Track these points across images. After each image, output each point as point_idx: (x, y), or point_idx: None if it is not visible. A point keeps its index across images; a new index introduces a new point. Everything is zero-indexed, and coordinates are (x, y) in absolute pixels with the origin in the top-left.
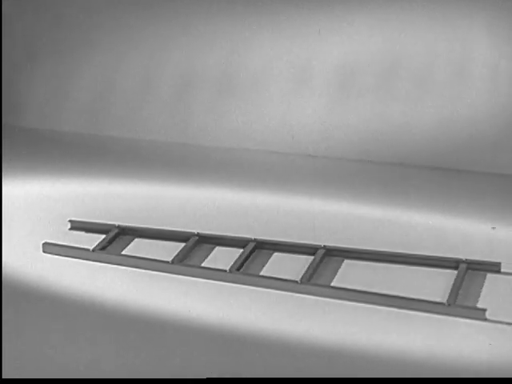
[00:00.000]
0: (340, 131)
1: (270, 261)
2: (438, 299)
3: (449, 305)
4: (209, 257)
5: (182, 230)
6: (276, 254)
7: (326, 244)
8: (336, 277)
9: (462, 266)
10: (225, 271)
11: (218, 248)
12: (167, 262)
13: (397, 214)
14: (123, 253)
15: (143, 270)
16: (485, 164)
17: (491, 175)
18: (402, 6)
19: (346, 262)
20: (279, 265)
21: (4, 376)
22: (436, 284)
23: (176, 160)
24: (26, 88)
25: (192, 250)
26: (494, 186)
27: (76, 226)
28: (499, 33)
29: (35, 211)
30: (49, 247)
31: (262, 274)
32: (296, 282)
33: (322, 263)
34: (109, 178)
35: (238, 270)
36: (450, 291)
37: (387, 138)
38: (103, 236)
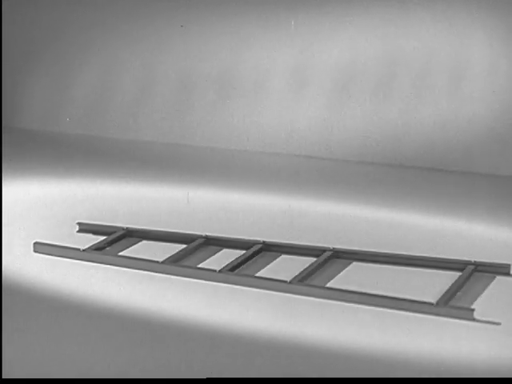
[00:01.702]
0: (340, 133)
1: (274, 262)
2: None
3: (437, 305)
4: (212, 258)
5: (189, 232)
6: (283, 256)
7: (331, 246)
8: (339, 278)
9: (469, 268)
10: (214, 271)
11: (224, 250)
12: (157, 262)
13: (397, 216)
14: (121, 254)
15: (141, 271)
16: (485, 165)
17: (491, 176)
18: (402, 8)
19: (354, 264)
20: (283, 266)
21: (4, 376)
22: (441, 286)
23: (176, 161)
24: (26, 90)
25: (194, 251)
26: (494, 187)
27: (84, 228)
28: (498, 34)
29: (35, 212)
30: (39, 247)
31: (260, 275)
32: (285, 281)
33: (326, 265)
34: (109, 179)
35: (232, 270)
36: (444, 292)
37: (387, 139)
38: (104, 237)
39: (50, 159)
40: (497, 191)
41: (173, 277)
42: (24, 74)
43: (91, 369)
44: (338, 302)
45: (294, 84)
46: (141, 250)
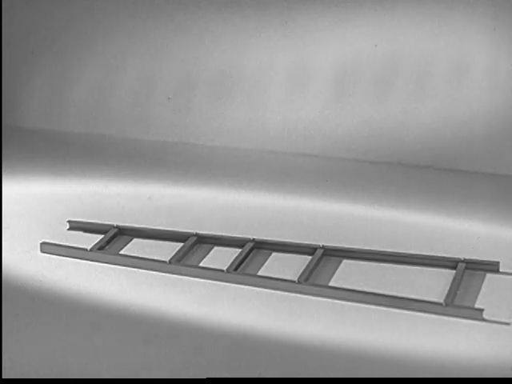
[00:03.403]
0: (338, 131)
1: (268, 261)
2: (436, 299)
3: (446, 305)
4: (207, 257)
5: (181, 230)
6: (275, 253)
7: (325, 244)
8: (334, 277)
9: (461, 266)
10: (222, 271)
11: (216, 248)
12: (165, 262)
13: (395, 214)
14: (121, 253)
15: (141, 270)
16: (484, 164)
17: (490, 175)
18: (401, 6)
19: (345, 261)
20: (277, 265)
21: (4, 376)
22: (435, 284)
23: (175, 160)
24: (26, 88)
25: (190, 249)
26: (494, 186)
27: (75, 226)
28: (499, 32)
29: (35, 211)
30: (47, 247)
31: (260, 273)
32: (294, 281)
33: (321, 263)
34: (108, 177)
35: (236, 269)
36: (447, 291)
37: (386, 137)
38: (102, 236)
39: (50, 158)
40: (496, 190)
41: (173, 276)
42: (25, 72)
43: (91, 369)
44: (340, 301)
45: (294, 82)
46: (138, 248)
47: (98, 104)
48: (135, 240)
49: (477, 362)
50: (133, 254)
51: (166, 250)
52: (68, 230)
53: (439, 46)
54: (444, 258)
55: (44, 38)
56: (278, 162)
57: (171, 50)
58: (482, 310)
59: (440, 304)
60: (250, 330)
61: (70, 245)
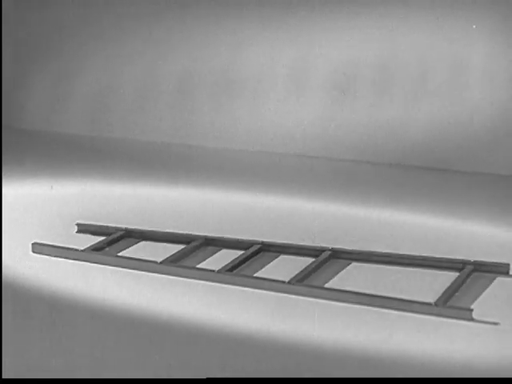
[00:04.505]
0: (338, 132)
1: (273, 263)
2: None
3: (436, 305)
4: (211, 258)
5: (188, 232)
6: (282, 256)
7: (328, 245)
8: (338, 278)
9: (468, 268)
10: (213, 271)
11: (223, 250)
12: (155, 263)
13: (396, 215)
14: (120, 254)
15: (140, 272)
16: (482, 164)
17: (489, 175)
18: (400, 9)
19: (353, 264)
20: (282, 267)
21: (4, 376)
22: (439, 286)
23: (177, 161)
24: (27, 90)
25: (193, 251)
26: (492, 187)
27: (83, 229)
28: (497, 34)
29: (36, 213)
30: (38, 247)
31: (259, 275)
32: (284, 282)
33: (325, 265)
34: (110, 179)
35: (231, 271)
36: (442, 292)
37: (385, 138)
38: (103, 238)
39: (50, 159)
40: (496, 191)
41: (172, 277)
42: (25, 74)
43: (91, 369)
44: (337, 303)
45: (294, 84)
46: (140, 250)
47: (100, 106)
48: (143, 242)
49: (476, 362)
50: (127, 255)
51: (172, 253)
52: (76, 232)
53: (438, 47)
54: (452, 260)
55: (45, 40)
56: (279, 162)
57: (172, 52)
58: (471, 310)
59: (429, 304)
60: (247, 330)
61: (62, 245)
